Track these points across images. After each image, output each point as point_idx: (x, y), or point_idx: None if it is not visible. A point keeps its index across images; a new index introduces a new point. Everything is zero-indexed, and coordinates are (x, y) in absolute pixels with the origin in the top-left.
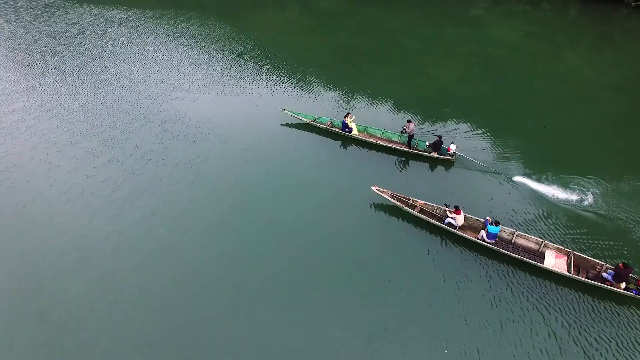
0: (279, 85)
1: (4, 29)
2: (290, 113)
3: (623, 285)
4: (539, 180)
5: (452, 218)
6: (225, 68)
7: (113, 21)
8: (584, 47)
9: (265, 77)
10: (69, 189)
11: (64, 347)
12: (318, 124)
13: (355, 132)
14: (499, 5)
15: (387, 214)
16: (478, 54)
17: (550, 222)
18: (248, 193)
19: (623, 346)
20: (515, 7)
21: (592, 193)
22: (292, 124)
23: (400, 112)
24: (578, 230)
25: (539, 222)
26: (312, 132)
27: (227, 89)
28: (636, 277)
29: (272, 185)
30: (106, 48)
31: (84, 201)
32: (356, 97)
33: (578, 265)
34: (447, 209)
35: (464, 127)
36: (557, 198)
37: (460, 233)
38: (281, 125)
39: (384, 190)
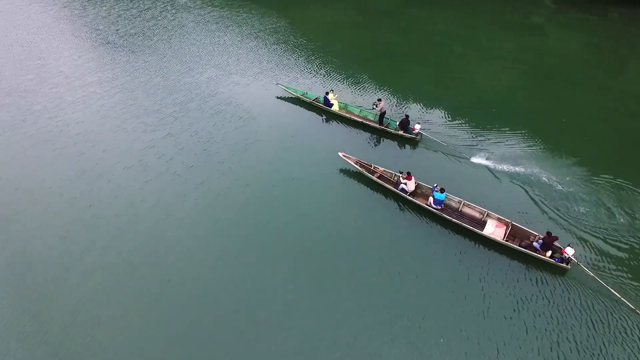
0: (327, 78)
1: (89, 12)
2: (283, 87)
3: (549, 253)
4: (499, 164)
5: (404, 183)
6: (279, 58)
7: (182, 8)
8: None
9: (315, 69)
10: (128, 157)
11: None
12: (305, 99)
13: (335, 107)
14: (561, 13)
15: (352, 178)
16: (534, 64)
17: (500, 198)
18: (286, 178)
19: (542, 306)
20: (581, 16)
21: (550, 182)
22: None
23: (449, 117)
24: (525, 208)
25: (490, 196)
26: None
27: (279, 77)
28: (561, 246)
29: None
30: (174, 33)
31: (139, 170)
32: (401, 97)
33: (514, 235)
34: (400, 175)
35: (495, 133)
36: (514, 180)
37: (411, 199)
38: (323, 113)
39: (350, 156)
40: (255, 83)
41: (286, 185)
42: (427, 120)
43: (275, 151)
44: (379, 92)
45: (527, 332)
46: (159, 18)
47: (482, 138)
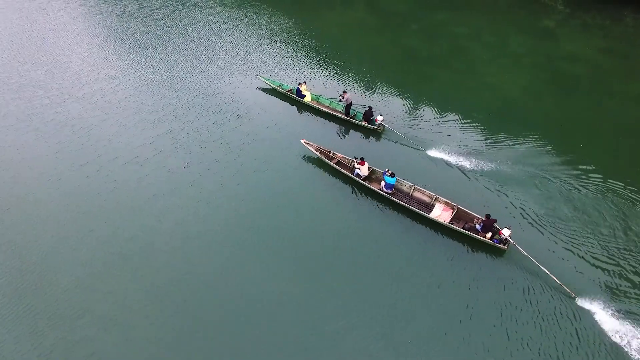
0: (335, 79)
1: (104, 10)
2: (262, 78)
3: (489, 235)
4: (452, 155)
5: (358, 168)
6: (286, 58)
7: (193, 8)
8: None
9: (322, 70)
10: (127, 153)
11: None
12: (281, 90)
13: (307, 99)
14: (574, 18)
15: (313, 165)
16: (546, 68)
17: (449, 184)
18: (287, 179)
19: (482, 286)
20: (593, 20)
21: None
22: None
23: (462, 121)
24: (472, 193)
25: (441, 183)
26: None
27: (283, 78)
28: (499, 228)
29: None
30: (183, 31)
31: (136, 166)
32: (415, 101)
33: (460, 218)
34: (355, 160)
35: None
36: (465, 171)
37: (365, 183)
38: (296, 104)
39: (311, 143)
40: (257, 82)
41: (263, 180)
42: (404, 115)
43: (261, 147)
44: (377, 92)
45: (466, 306)
46: (170, 17)
47: (454, 134)
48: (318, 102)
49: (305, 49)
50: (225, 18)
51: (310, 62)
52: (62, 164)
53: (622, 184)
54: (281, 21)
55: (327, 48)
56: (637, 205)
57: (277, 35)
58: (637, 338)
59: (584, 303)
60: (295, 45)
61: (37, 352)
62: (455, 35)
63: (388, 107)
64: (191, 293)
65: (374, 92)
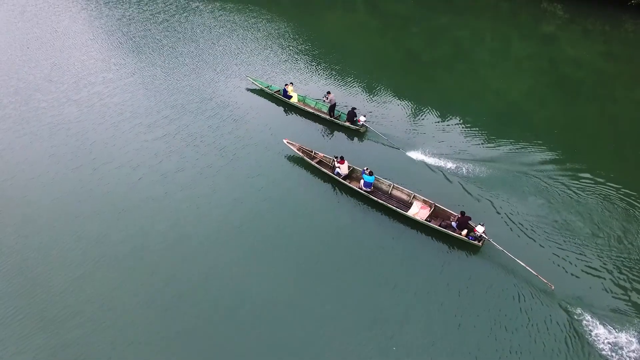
0: (333, 81)
1: (105, 14)
2: (251, 79)
3: (465, 232)
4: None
5: (338, 167)
6: (284, 62)
7: (195, 11)
8: None
9: (318, 74)
10: (121, 156)
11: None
12: (268, 91)
13: (294, 100)
14: (573, 23)
15: (296, 164)
16: (546, 71)
17: (429, 183)
18: (279, 185)
19: (459, 282)
20: (593, 26)
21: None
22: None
23: (447, 124)
24: (450, 192)
25: (419, 181)
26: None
27: (279, 82)
28: (473, 225)
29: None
30: (183, 35)
31: (129, 169)
32: (404, 104)
33: (437, 215)
34: (335, 159)
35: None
36: (445, 172)
37: (345, 182)
38: (283, 105)
39: (293, 143)
40: (253, 86)
41: (251, 182)
42: (390, 117)
43: (252, 149)
44: (371, 94)
45: (443, 303)
46: (170, 21)
47: (437, 135)
48: (304, 103)
49: (303, 53)
50: (225, 22)
51: (308, 65)
52: (56, 167)
53: (618, 186)
54: (280, 26)
55: (326, 51)
56: (628, 210)
57: (276, 39)
58: (614, 332)
59: (561, 294)
60: (294, 48)
61: (30, 354)
62: (457, 38)
63: (379, 109)
64: (183, 296)
65: (370, 93)
